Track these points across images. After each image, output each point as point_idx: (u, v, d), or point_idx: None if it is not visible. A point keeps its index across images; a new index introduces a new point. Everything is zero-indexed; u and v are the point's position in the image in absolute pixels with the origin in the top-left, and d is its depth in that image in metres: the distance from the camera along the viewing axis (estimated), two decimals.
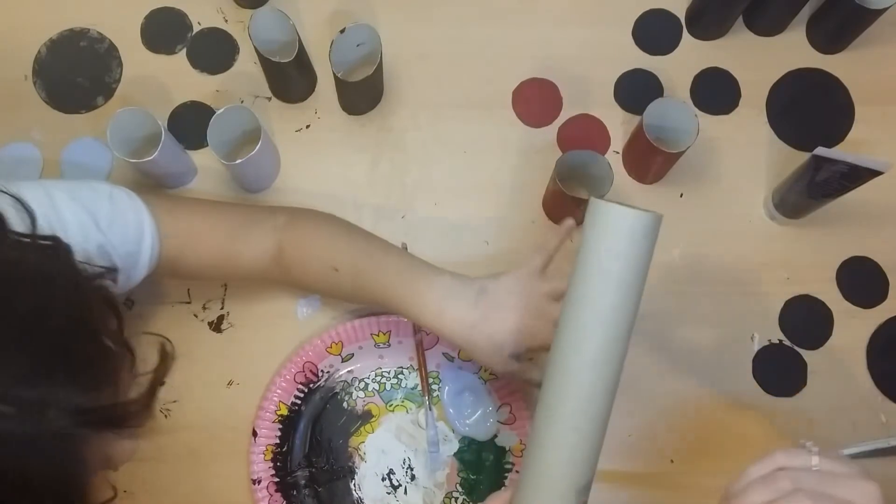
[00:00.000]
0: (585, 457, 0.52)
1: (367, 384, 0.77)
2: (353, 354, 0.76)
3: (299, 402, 0.75)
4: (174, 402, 0.76)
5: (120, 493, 0.74)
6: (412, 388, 0.76)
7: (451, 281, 0.64)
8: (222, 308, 0.78)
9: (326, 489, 0.74)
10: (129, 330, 0.76)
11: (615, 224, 0.53)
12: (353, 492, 0.74)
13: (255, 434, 0.74)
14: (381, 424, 0.76)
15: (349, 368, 0.77)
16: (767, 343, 0.78)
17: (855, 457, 0.75)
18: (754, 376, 0.77)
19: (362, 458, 0.75)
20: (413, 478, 0.75)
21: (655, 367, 0.78)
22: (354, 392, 0.76)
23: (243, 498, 0.74)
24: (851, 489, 0.47)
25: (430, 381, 0.76)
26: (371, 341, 0.76)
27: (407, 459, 0.75)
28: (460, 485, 0.75)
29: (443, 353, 0.76)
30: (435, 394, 0.76)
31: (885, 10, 0.78)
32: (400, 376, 0.77)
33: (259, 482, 0.73)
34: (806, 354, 0.78)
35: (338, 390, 0.76)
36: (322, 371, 0.76)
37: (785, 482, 0.48)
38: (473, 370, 0.76)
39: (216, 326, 0.78)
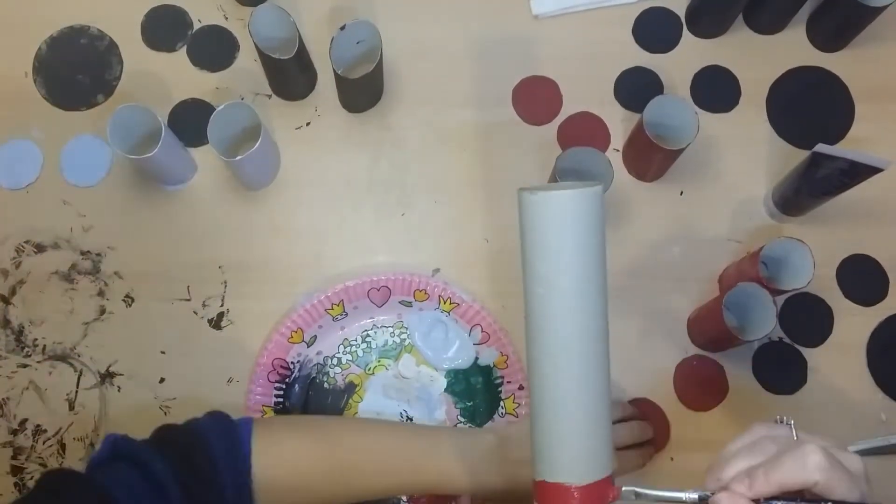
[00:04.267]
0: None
1: (339, 358, 0.77)
2: (315, 336, 0.77)
3: (281, 399, 0.75)
4: (173, 399, 0.76)
5: None
6: (383, 346, 0.77)
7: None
8: (222, 305, 0.78)
9: None
10: (130, 329, 0.77)
11: (536, 214, 0.52)
12: None
13: None
14: (367, 390, 0.76)
15: (317, 350, 0.77)
16: (767, 340, 0.78)
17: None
18: (754, 374, 0.77)
19: None
20: None
21: (656, 365, 0.78)
22: (330, 370, 0.77)
23: None
24: (836, 453, 0.48)
25: (399, 331, 0.77)
26: (328, 317, 0.76)
27: (403, 412, 0.76)
28: (461, 415, 0.76)
29: (399, 302, 0.77)
30: (406, 341, 0.77)
31: (884, 7, 0.78)
32: (368, 339, 0.77)
33: None
34: (806, 352, 0.78)
35: (314, 374, 0.77)
36: (292, 363, 0.76)
37: (770, 446, 0.48)
38: (433, 307, 0.77)
39: (216, 324, 0.78)
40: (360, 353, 0.77)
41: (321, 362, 0.77)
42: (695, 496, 0.50)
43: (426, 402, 0.76)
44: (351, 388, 0.77)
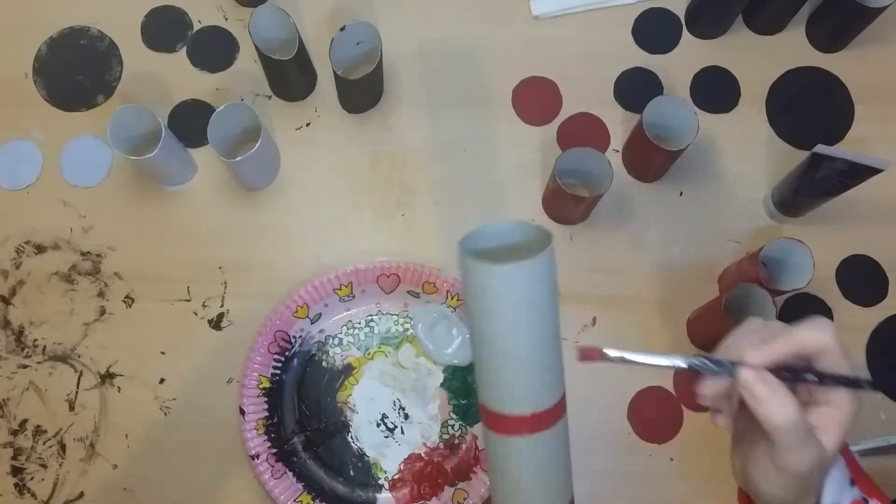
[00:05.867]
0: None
1: (340, 339, 0.78)
2: (320, 314, 0.77)
3: (279, 371, 0.76)
4: (174, 399, 0.76)
5: (119, 490, 0.74)
6: (385, 333, 0.78)
7: None
8: (222, 306, 0.78)
9: (325, 448, 0.76)
10: (130, 330, 0.77)
11: (481, 283, 0.50)
12: (352, 444, 0.76)
13: (242, 412, 0.74)
14: (363, 374, 0.77)
15: (320, 328, 0.77)
16: None
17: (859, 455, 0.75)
18: None
19: (353, 411, 0.76)
20: (406, 417, 0.76)
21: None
22: (331, 349, 0.77)
23: (246, 490, 0.75)
24: None
25: (403, 320, 0.77)
26: (335, 297, 0.76)
27: (397, 401, 0.76)
28: (453, 412, 0.76)
29: (407, 291, 0.77)
30: (409, 332, 0.77)
31: (884, 8, 0.78)
32: (371, 324, 0.78)
33: (258, 457, 0.73)
34: None
35: (314, 352, 0.77)
36: (294, 337, 0.76)
37: (777, 325, 0.48)
38: (440, 301, 0.77)
39: (216, 324, 0.78)
40: (362, 336, 0.78)
41: (322, 340, 0.78)
42: (683, 364, 0.49)
43: (421, 395, 0.76)
44: (348, 369, 0.77)
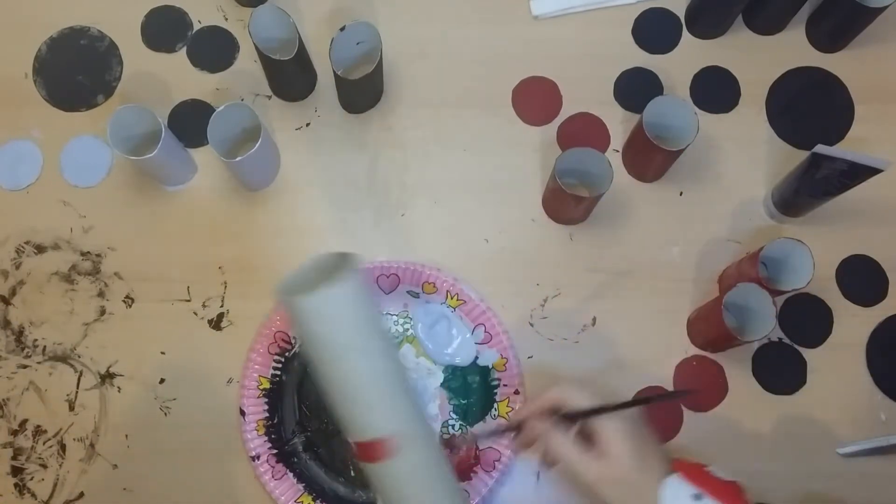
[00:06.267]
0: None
1: None
2: None
3: (279, 372, 0.76)
4: (173, 399, 0.76)
5: (119, 490, 0.74)
6: (385, 332, 0.77)
7: None
8: (222, 306, 0.78)
9: (326, 449, 0.76)
10: (130, 330, 0.77)
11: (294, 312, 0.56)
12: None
13: (242, 413, 0.74)
14: None
15: None
16: (767, 341, 0.78)
17: (854, 455, 0.75)
18: (754, 374, 0.77)
19: None
20: None
21: (656, 365, 0.78)
22: None
23: (246, 490, 0.75)
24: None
25: (403, 320, 0.78)
26: None
27: None
28: (453, 412, 0.76)
29: (407, 292, 0.77)
30: (409, 332, 0.77)
31: (884, 8, 0.78)
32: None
33: (258, 458, 0.73)
34: (806, 353, 0.78)
35: None
36: (294, 337, 0.76)
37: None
38: (440, 301, 0.77)
39: (216, 324, 0.78)
40: None
41: None
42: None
43: (421, 395, 0.76)
44: None
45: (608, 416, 0.58)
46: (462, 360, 0.76)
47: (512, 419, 0.64)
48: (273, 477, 0.73)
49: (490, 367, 0.76)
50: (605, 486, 0.57)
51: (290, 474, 0.74)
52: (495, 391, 0.76)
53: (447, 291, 0.76)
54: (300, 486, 0.73)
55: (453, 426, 0.76)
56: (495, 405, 0.76)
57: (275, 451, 0.74)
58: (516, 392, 0.75)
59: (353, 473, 0.75)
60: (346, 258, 0.59)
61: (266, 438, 0.74)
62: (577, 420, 0.59)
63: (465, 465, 0.74)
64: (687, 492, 0.55)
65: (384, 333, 0.59)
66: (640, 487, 0.56)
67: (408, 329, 0.78)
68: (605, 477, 0.57)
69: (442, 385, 0.77)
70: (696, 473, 0.57)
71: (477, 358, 0.77)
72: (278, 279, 0.78)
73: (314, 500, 0.73)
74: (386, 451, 0.56)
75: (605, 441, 0.57)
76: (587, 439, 0.59)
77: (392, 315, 0.78)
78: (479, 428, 0.74)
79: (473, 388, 0.76)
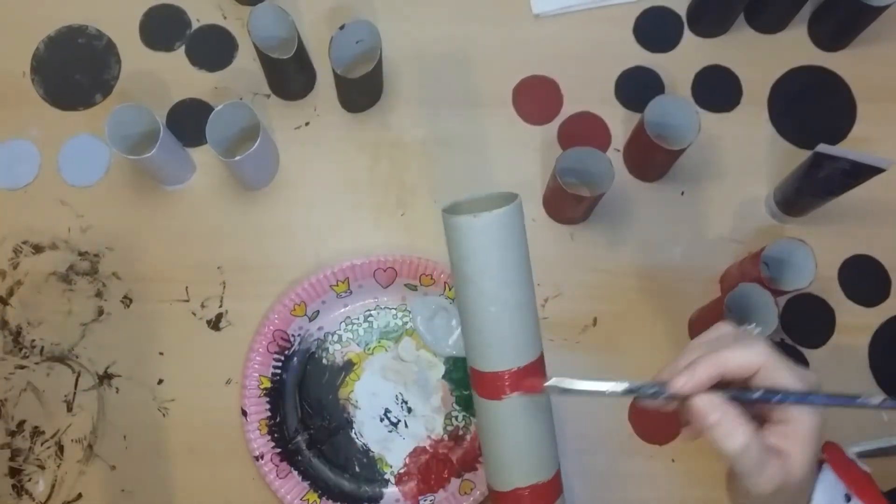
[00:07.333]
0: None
1: (340, 336, 0.77)
2: (318, 311, 0.77)
3: (279, 371, 0.76)
4: (172, 400, 0.76)
5: (118, 492, 0.74)
6: (385, 327, 0.77)
7: None
8: (221, 306, 0.78)
9: (329, 446, 0.76)
10: (128, 330, 0.77)
11: (458, 233, 0.57)
12: (356, 440, 0.76)
13: (244, 413, 0.74)
14: (364, 370, 0.77)
15: (318, 325, 0.77)
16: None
17: (857, 456, 0.74)
18: None
19: (356, 407, 0.76)
20: (410, 410, 0.76)
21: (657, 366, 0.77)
22: (330, 346, 0.77)
23: (245, 490, 0.74)
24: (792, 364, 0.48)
25: (402, 314, 0.78)
26: (332, 293, 0.76)
27: (399, 395, 0.76)
28: (456, 403, 0.76)
29: (404, 285, 0.77)
30: (408, 325, 0.77)
31: (887, 7, 0.78)
32: (370, 319, 0.77)
33: (261, 457, 0.73)
34: (808, 353, 0.77)
35: (314, 349, 0.77)
36: (293, 335, 0.76)
37: (730, 340, 0.47)
38: (438, 293, 0.76)
39: (214, 325, 0.78)
40: (361, 331, 0.77)
41: (321, 338, 0.77)
42: (619, 388, 0.50)
43: (423, 387, 0.76)
44: (349, 366, 0.77)
45: (803, 405, 0.46)
46: (462, 351, 0.76)
47: (671, 386, 0.47)
48: (277, 476, 0.73)
49: None
50: (780, 494, 0.46)
51: (295, 472, 0.74)
52: None
53: (445, 283, 0.76)
54: (305, 484, 0.73)
55: (457, 417, 0.76)
56: None
57: (278, 451, 0.74)
58: None
59: (357, 469, 0.75)
60: (509, 197, 0.59)
61: (269, 438, 0.74)
62: (756, 401, 0.46)
63: (471, 456, 0.74)
64: (839, 491, 0.48)
65: (529, 267, 0.59)
66: (803, 486, 0.47)
67: (407, 322, 0.77)
68: (782, 484, 0.46)
69: (444, 377, 0.77)
70: (842, 463, 0.49)
71: None
72: (278, 279, 0.78)
73: (320, 497, 0.73)
74: (530, 375, 0.56)
75: (797, 439, 0.46)
76: (768, 432, 0.47)
77: (391, 309, 0.78)
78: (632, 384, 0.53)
79: None
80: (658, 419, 0.75)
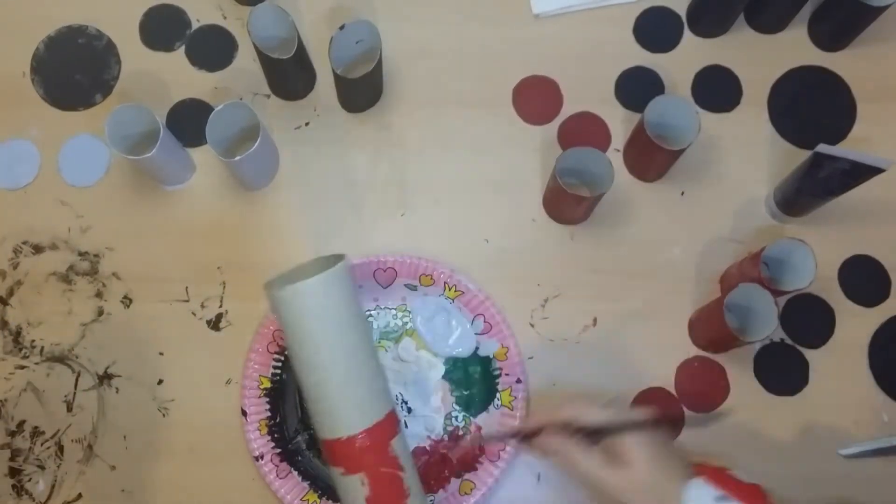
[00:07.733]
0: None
1: None
2: None
3: (279, 371, 0.75)
4: (172, 400, 0.76)
5: (118, 492, 0.74)
6: (384, 327, 0.77)
7: None
8: (221, 306, 0.78)
9: None
10: (128, 330, 0.77)
11: (273, 306, 0.63)
12: None
13: (244, 413, 0.73)
14: None
15: None
16: (769, 342, 0.77)
17: (857, 456, 0.75)
18: (755, 375, 0.77)
19: None
20: (410, 410, 0.76)
21: (657, 366, 0.77)
22: None
23: (245, 490, 0.74)
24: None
25: (401, 314, 0.77)
26: None
27: (399, 395, 0.76)
28: (456, 403, 0.76)
29: (405, 285, 0.77)
30: (408, 325, 0.77)
31: (886, 7, 0.78)
32: (370, 319, 0.77)
33: (262, 457, 0.73)
34: (807, 353, 0.77)
35: None
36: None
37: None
38: (438, 293, 0.77)
39: (214, 325, 0.77)
40: None
41: None
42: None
43: (423, 387, 0.76)
44: None
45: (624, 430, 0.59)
46: (462, 351, 0.76)
47: (522, 426, 0.66)
48: (278, 476, 0.73)
49: (491, 356, 0.76)
50: (630, 495, 0.57)
51: (295, 472, 0.74)
52: (497, 381, 0.76)
53: (445, 283, 0.76)
54: (305, 484, 0.73)
55: (457, 417, 0.76)
56: (497, 395, 0.75)
57: (278, 451, 0.74)
58: (518, 381, 0.75)
59: None
60: (333, 260, 0.62)
61: (269, 438, 0.74)
62: (591, 435, 0.60)
63: (470, 456, 0.74)
64: (711, 494, 0.55)
65: (362, 332, 0.64)
66: (665, 493, 0.57)
67: (407, 322, 0.77)
68: (630, 486, 0.57)
69: (444, 377, 0.77)
70: (719, 477, 0.57)
71: (477, 348, 0.77)
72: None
73: (320, 497, 0.73)
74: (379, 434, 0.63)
75: (624, 452, 0.58)
76: (605, 452, 0.60)
77: (390, 309, 0.78)
78: (485, 427, 0.74)
79: (475, 379, 0.76)
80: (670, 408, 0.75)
